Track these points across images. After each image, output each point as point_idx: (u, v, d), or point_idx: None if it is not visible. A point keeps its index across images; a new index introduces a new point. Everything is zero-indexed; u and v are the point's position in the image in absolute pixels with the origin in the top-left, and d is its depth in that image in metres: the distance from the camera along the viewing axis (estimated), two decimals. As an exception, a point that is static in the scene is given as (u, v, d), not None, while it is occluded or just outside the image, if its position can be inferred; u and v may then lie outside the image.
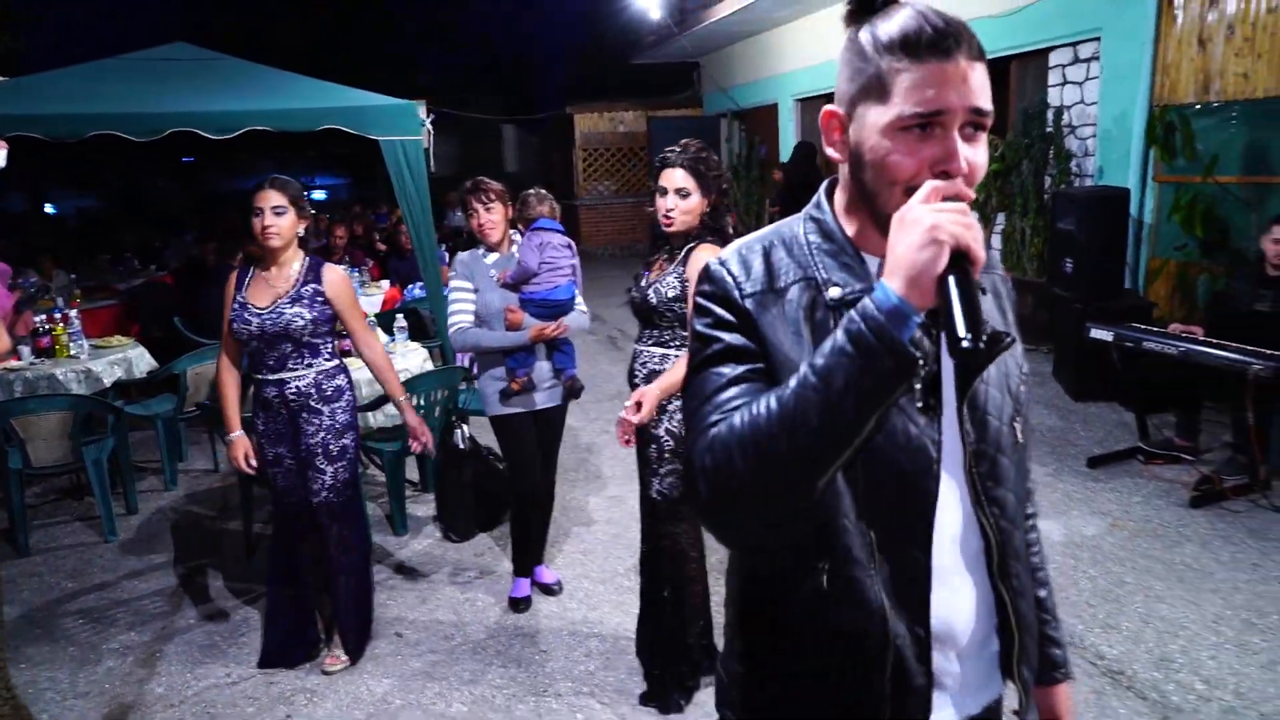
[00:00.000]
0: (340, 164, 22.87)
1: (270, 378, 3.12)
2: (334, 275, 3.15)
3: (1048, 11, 7.68)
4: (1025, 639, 1.19)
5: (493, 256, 3.56)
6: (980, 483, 1.14)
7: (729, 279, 1.11)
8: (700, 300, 1.13)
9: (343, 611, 3.28)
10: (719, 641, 3.07)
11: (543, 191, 3.66)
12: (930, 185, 0.94)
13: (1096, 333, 5.12)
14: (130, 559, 4.35)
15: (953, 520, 1.14)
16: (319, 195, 23.12)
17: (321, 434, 3.11)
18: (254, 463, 3.16)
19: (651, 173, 2.85)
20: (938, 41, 1.00)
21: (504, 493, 4.21)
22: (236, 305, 3.09)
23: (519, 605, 3.70)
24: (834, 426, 0.91)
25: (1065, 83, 7.76)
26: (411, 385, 4.32)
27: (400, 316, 5.44)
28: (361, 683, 3.21)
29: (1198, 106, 6.24)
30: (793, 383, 0.95)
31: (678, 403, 2.78)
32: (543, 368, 3.52)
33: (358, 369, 4.56)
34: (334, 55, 17.62)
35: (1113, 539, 4.07)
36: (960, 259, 0.90)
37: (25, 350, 5.18)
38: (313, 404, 3.10)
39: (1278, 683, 2.96)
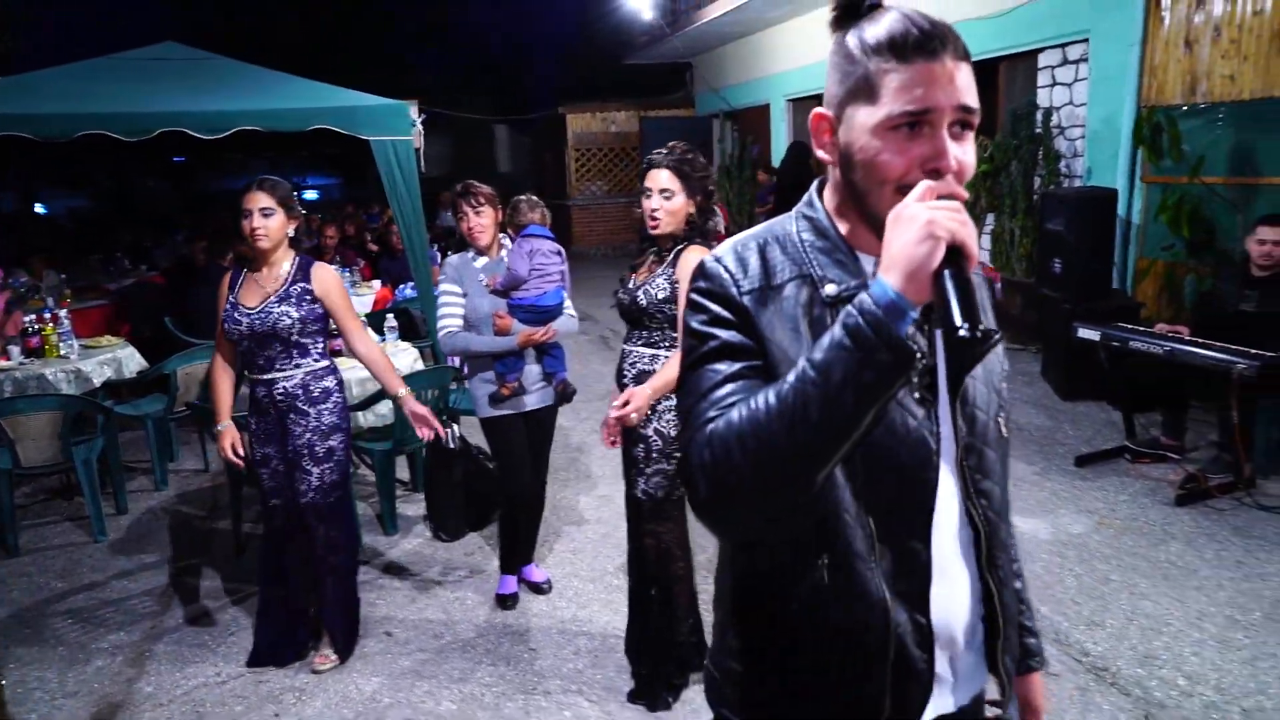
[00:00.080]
0: (332, 164, 22.85)
1: (260, 378, 3.15)
2: (322, 273, 3.16)
3: (1037, 13, 7.72)
4: (1009, 629, 1.22)
5: (482, 260, 3.58)
6: (970, 475, 1.17)
7: (726, 275, 1.11)
8: (696, 297, 1.13)
9: (330, 611, 3.29)
10: (708, 639, 3.10)
11: (534, 198, 3.68)
12: (924, 184, 0.97)
13: (1084, 332, 5.15)
14: (120, 559, 4.35)
15: (948, 512, 1.16)
16: (311, 195, 23.07)
17: (308, 435, 3.11)
18: (241, 452, 3.16)
19: (640, 175, 2.87)
20: (924, 42, 1.02)
21: (494, 493, 4.22)
22: (229, 305, 3.12)
23: (505, 602, 3.72)
24: (833, 420, 0.92)
25: (1054, 84, 7.80)
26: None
27: (390, 316, 5.44)
28: (350, 681, 3.22)
29: (1185, 108, 6.28)
30: (791, 377, 0.95)
31: (666, 403, 2.80)
32: (532, 370, 3.54)
33: (349, 368, 4.58)
34: (326, 55, 17.60)
35: (1099, 537, 4.10)
36: (955, 254, 0.92)
37: (15, 350, 5.18)
38: (300, 405, 3.11)
39: (1259, 678, 2.99)
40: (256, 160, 14.54)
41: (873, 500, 1.10)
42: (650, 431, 2.84)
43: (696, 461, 1.01)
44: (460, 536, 4.39)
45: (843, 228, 1.14)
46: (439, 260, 6.52)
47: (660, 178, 2.75)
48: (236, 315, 3.08)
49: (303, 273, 3.13)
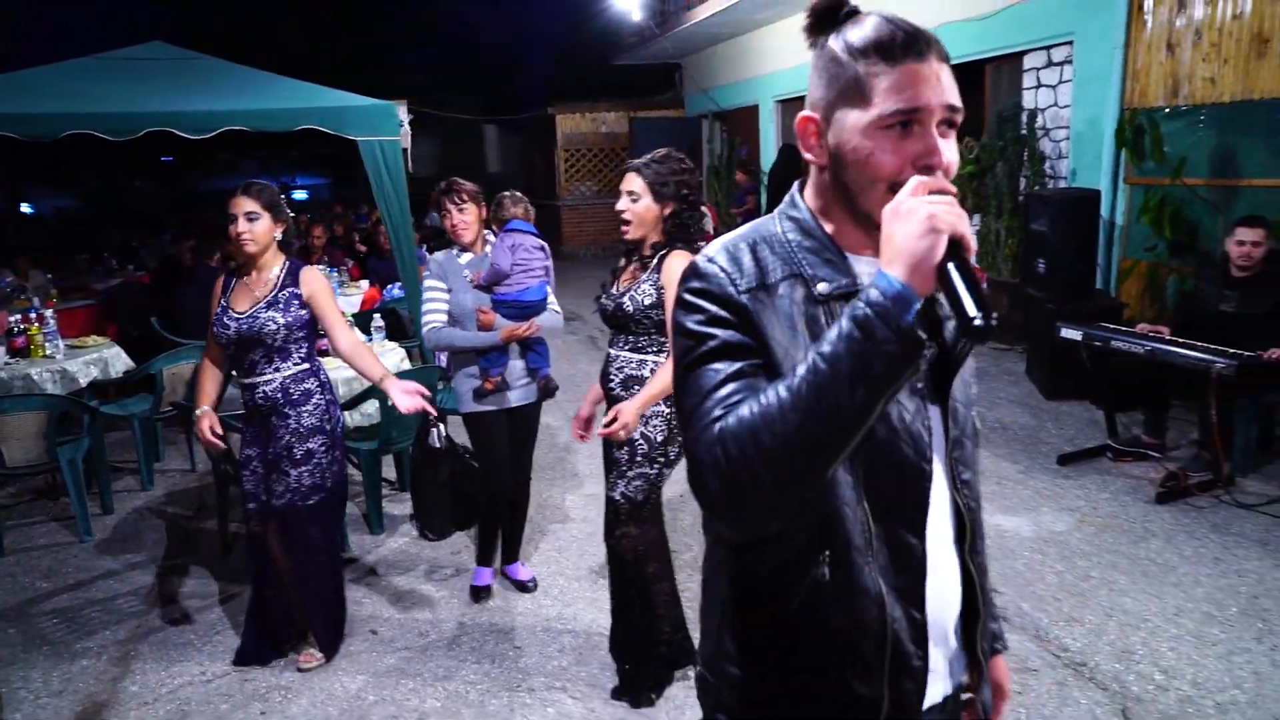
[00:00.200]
0: (322, 164, 22.81)
1: (245, 381, 3.17)
2: (310, 275, 3.17)
3: (1021, 16, 7.78)
4: (986, 615, 1.27)
5: (466, 257, 3.60)
6: (955, 467, 1.21)
7: (723, 275, 1.11)
8: (690, 298, 1.12)
9: (313, 610, 3.30)
10: (693, 636, 3.12)
11: (517, 194, 3.70)
12: (916, 180, 0.99)
13: (1067, 332, 5.20)
14: (105, 559, 4.35)
15: (940, 505, 1.19)
16: (300, 195, 23.02)
17: (288, 437, 3.12)
18: (219, 431, 3.14)
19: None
20: (911, 44, 1.06)
21: (480, 492, 4.22)
22: (219, 309, 3.14)
23: (479, 594, 3.76)
24: (845, 412, 0.94)
25: (1039, 86, 7.86)
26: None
27: (377, 316, 5.45)
28: (336, 680, 3.23)
29: (1166, 110, 6.35)
30: (801, 371, 0.96)
31: (654, 407, 2.82)
32: (516, 366, 3.56)
33: (335, 368, 4.59)
34: (315, 55, 17.57)
35: (1080, 534, 4.15)
36: (955, 247, 0.95)
37: (-1, 350, 5.17)
38: (281, 407, 3.12)
39: (1234, 672, 3.03)
40: (246, 160, 14.53)
41: (871, 496, 1.12)
42: (636, 435, 2.85)
43: (708, 461, 1.00)
44: (446, 536, 4.36)
45: (828, 227, 1.16)
46: (427, 260, 6.53)
47: (628, 180, 2.81)
48: (225, 319, 3.10)
49: (291, 277, 3.14)
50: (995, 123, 8.14)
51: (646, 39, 14.78)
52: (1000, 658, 1.42)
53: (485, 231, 3.68)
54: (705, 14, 12.32)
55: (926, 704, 1.21)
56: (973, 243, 0.97)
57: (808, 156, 1.16)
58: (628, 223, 2.82)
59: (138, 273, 8.99)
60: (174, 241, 8.31)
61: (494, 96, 21.51)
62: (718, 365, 1.06)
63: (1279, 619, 3.34)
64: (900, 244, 0.96)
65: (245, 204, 3.04)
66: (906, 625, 1.15)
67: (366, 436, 4.54)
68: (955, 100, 1.08)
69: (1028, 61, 7.93)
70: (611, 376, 2.91)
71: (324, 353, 4.73)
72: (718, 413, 1.02)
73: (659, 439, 2.84)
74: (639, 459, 2.86)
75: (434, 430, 4.33)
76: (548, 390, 3.62)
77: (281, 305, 3.08)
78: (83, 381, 5.29)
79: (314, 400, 3.17)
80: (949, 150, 1.07)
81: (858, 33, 1.09)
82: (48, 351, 5.32)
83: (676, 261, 2.74)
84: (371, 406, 4.48)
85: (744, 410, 0.99)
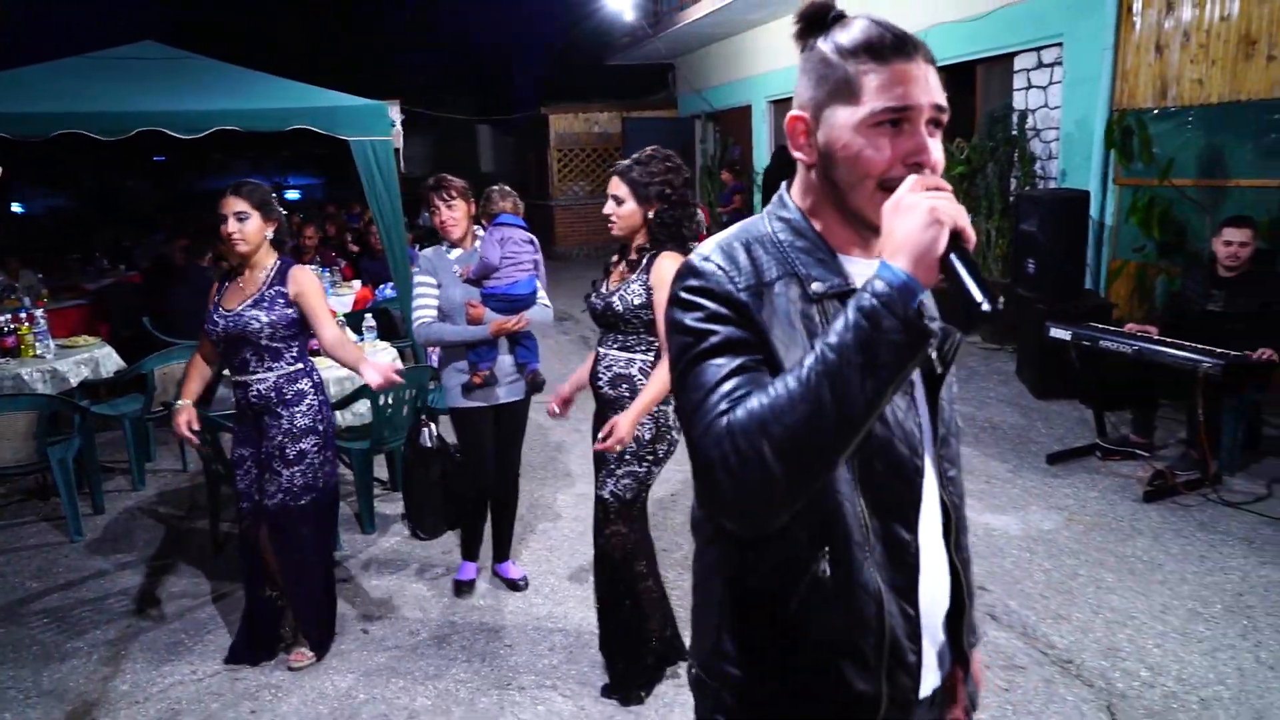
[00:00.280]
0: (315, 164, 22.73)
1: (237, 379, 3.18)
2: (299, 273, 3.17)
3: (1012, 17, 7.82)
4: (970, 608, 1.29)
5: (456, 252, 3.62)
6: (941, 464, 1.23)
7: (721, 273, 1.12)
8: (687, 296, 1.12)
9: (304, 610, 3.31)
10: (682, 634, 3.14)
11: (505, 188, 3.72)
12: (914, 177, 1.02)
13: (1056, 332, 5.24)
14: (96, 559, 4.35)
15: (930, 501, 1.21)
16: (293, 195, 22.97)
17: (280, 437, 3.13)
18: (196, 427, 3.16)
19: None
20: (899, 45, 1.09)
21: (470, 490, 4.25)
22: (213, 307, 3.17)
23: (461, 589, 3.79)
24: (855, 402, 0.94)
25: (1029, 87, 7.90)
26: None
27: (369, 316, 5.45)
28: (326, 678, 3.24)
29: (1155, 111, 6.39)
30: (809, 361, 0.97)
31: None
32: (505, 362, 3.58)
33: (327, 368, 4.60)
34: (308, 55, 17.56)
35: (1068, 533, 4.17)
36: (955, 239, 0.98)
37: (-11, 350, 5.16)
38: (274, 407, 3.13)
39: (1218, 668, 3.06)
40: (238, 160, 14.48)
41: (867, 493, 1.14)
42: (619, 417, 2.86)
43: (716, 455, 1.00)
44: (438, 535, 4.41)
45: (818, 226, 1.18)
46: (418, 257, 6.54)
47: (613, 185, 2.83)
48: (215, 317, 3.13)
49: (280, 277, 3.15)
50: (986, 123, 8.17)
51: (639, 39, 14.80)
52: (975, 650, 1.44)
53: (474, 227, 3.69)
54: (698, 14, 12.34)
55: (919, 698, 1.23)
56: (972, 235, 1.00)
57: (797, 155, 1.18)
58: (611, 224, 2.86)
59: (129, 272, 8.97)
60: (166, 241, 8.29)
61: (487, 96, 21.52)
62: (720, 360, 1.06)
63: (1263, 616, 3.37)
64: (904, 237, 0.98)
65: (235, 204, 3.05)
66: (902, 621, 1.17)
67: (358, 436, 4.55)
68: (942, 100, 1.10)
69: (1018, 63, 7.97)
70: (600, 375, 2.92)
71: (315, 353, 4.75)
72: (724, 406, 1.02)
73: (647, 437, 2.86)
74: (627, 457, 2.88)
75: (425, 430, 4.36)
76: (535, 385, 3.64)
77: (267, 304, 3.09)
78: (73, 381, 5.28)
79: (307, 401, 3.18)
80: (936, 149, 1.09)
81: (846, 34, 1.12)
82: (38, 351, 5.30)
83: (667, 263, 2.76)
84: (364, 406, 4.48)
85: (752, 403, 0.99)
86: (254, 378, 3.12)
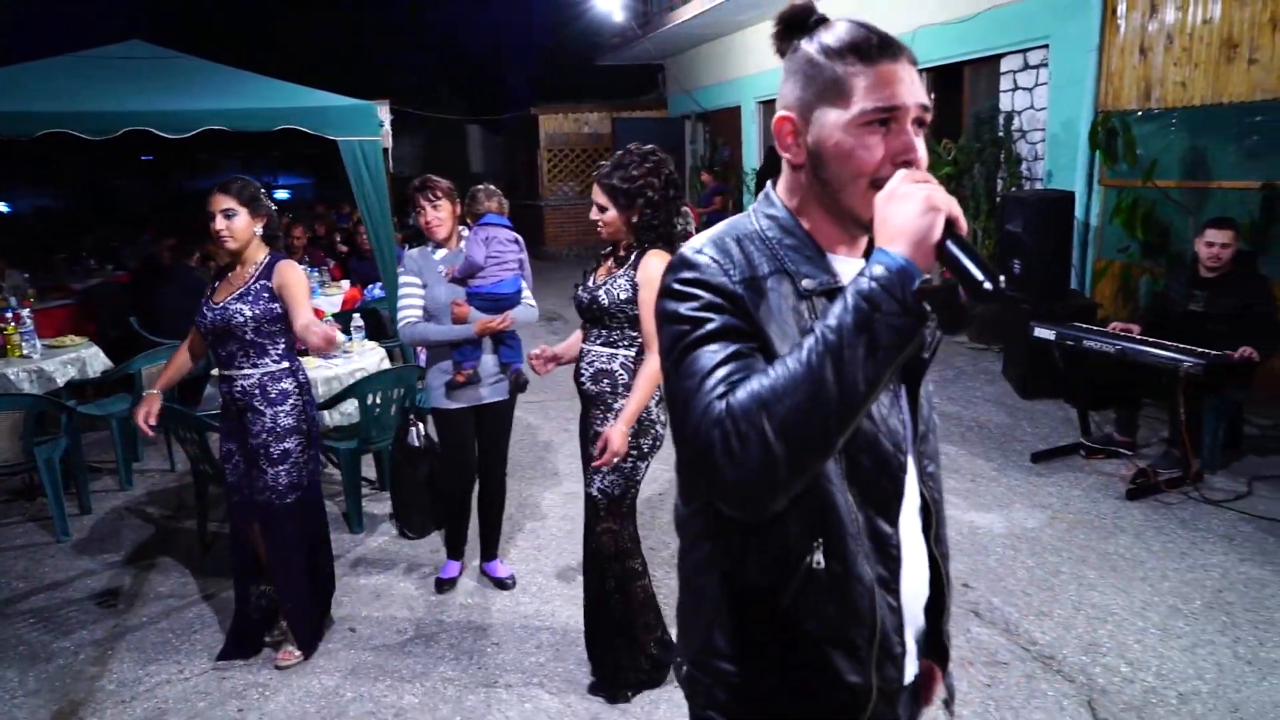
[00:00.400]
0: (305, 164, 22.68)
1: (224, 373, 3.20)
2: (283, 267, 3.16)
3: (999, 19, 7.87)
4: (949, 601, 1.31)
5: (441, 252, 3.63)
6: (920, 460, 1.26)
7: (715, 265, 1.12)
8: (682, 287, 1.12)
9: (290, 608, 3.32)
10: (671, 633, 3.15)
11: (491, 187, 3.73)
12: (904, 172, 1.05)
13: (1040, 332, 5.28)
14: (83, 559, 4.34)
15: (911, 495, 1.23)
16: (282, 195, 22.90)
17: (264, 435, 3.14)
18: (153, 423, 3.16)
19: None
20: (885, 47, 1.11)
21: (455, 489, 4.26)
22: (204, 300, 3.19)
23: (442, 586, 3.82)
24: (855, 383, 0.96)
25: (1016, 88, 7.95)
26: (368, 383, 4.36)
27: (357, 316, 5.46)
28: (314, 677, 3.25)
29: (1139, 113, 6.44)
30: (809, 342, 0.98)
31: (622, 403, 2.84)
32: (488, 361, 3.59)
33: (315, 368, 4.60)
34: (297, 55, 17.50)
35: (1052, 530, 4.21)
36: (949, 226, 1.01)
37: (-25, 350, 5.14)
38: (256, 404, 3.13)
39: (1197, 664, 3.10)
40: (228, 160, 14.43)
41: (855, 486, 1.16)
42: (606, 430, 2.87)
43: (716, 436, 1.00)
44: (426, 534, 4.42)
45: (805, 225, 1.20)
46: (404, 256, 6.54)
47: (595, 193, 2.84)
48: (205, 310, 3.15)
49: (268, 271, 3.16)
50: (973, 124, 8.22)
51: (629, 40, 14.83)
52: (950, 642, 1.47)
53: (460, 228, 3.71)
54: (687, 15, 12.37)
55: (903, 690, 1.25)
56: (964, 223, 1.02)
57: (785, 155, 1.19)
58: (600, 230, 2.88)
59: (117, 272, 8.94)
60: (154, 241, 8.28)
61: (477, 96, 21.52)
62: (714, 347, 1.07)
63: (1242, 612, 3.42)
64: (900, 223, 1.00)
65: (222, 201, 3.06)
66: (888, 613, 1.19)
67: (346, 436, 4.56)
68: (926, 100, 1.13)
69: (1005, 64, 8.03)
70: (582, 371, 2.94)
71: (303, 352, 4.75)
72: (720, 390, 1.02)
73: (631, 433, 2.87)
74: None
75: (413, 429, 4.37)
76: (518, 384, 3.65)
77: (251, 298, 3.09)
78: (60, 381, 5.26)
79: (291, 401, 3.18)
80: (922, 147, 1.12)
81: (832, 36, 1.14)
82: (24, 351, 5.29)
83: (654, 261, 2.76)
84: (351, 406, 4.49)
85: (751, 385, 1.00)
86: (239, 373, 3.14)
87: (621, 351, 2.88)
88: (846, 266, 1.20)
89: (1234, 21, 5.69)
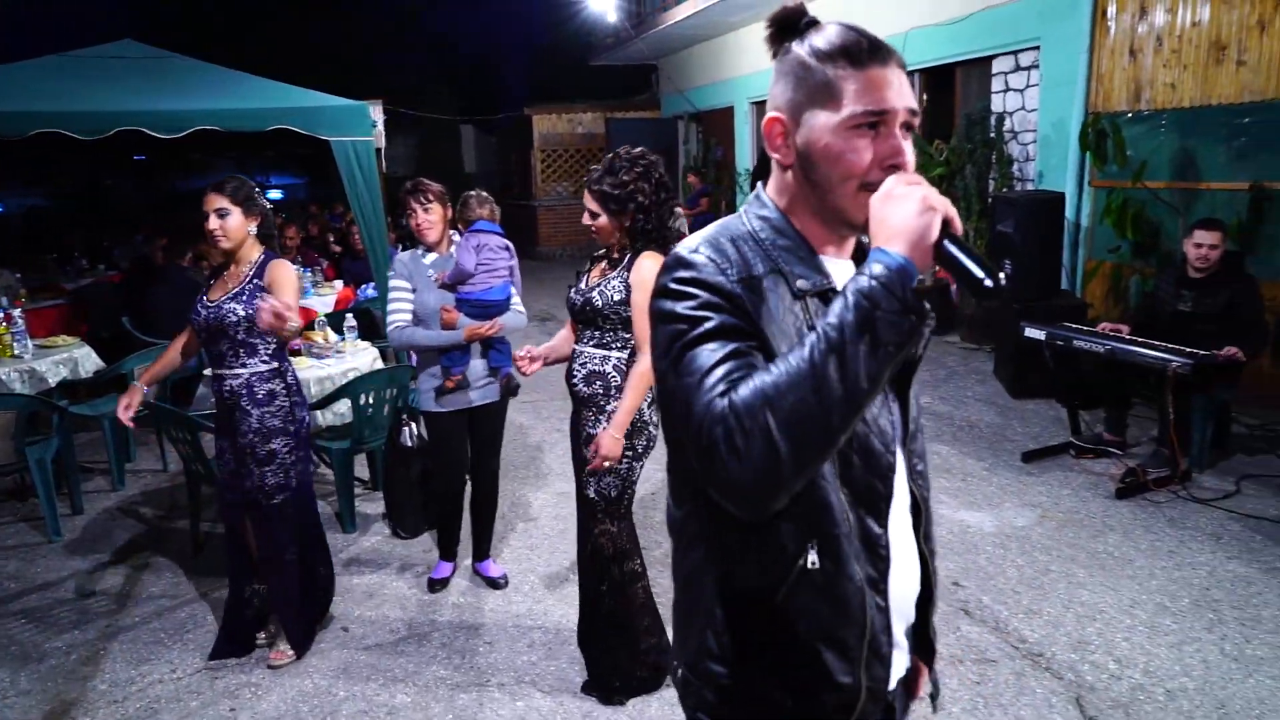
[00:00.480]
0: (299, 163, 22.62)
1: (215, 372, 3.21)
2: (275, 266, 3.16)
3: (990, 21, 7.91)
4: (936, 597, 1.33)
5: (431, 256, 3.64)
6: (910, 459, 1.27)
7: (712, 264, 1.12)
8: (679, 286, 1.12)
9: (281, 607, 3.32)
10: (667, 633, 3.14)
11: (483, 194, 3.74)
12: (897, 175, 1.07)
13: (1030, 332, 5.31)
14: (75, 559, 4.34)
15: (900, 495, 1.24)
16: (275, 195, 22.84)
17: (250, 435, 3.15)
18: (131, 414, 3.19)
19: None
20: (875, 51, 1.13)
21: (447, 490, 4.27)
22: (199, 298, 3.21)
23: (435, 586, 3.84)
24: (859, 380, 0.97)
25: (1007, 89, 7.99)
26: (360, 383, 4.37)
27: (350, 316, 5.46)
28: (306, 676, 3.25)
29: (1129, 114, 6.48)
30: (811, 340, 0.99)
31: (615, 403, 2.85)
32: (477, 366, 3.61)
33: (307, 368, 4.61)
34: (290, 54, 17.46)
35: (1041, 529, 4.24)
36: (945, 226, 1.03)
37: (-33, 350, 5.13)
38: (244, 404, 3.14)
39: (1184, 661, 3.12)
40: (221, 159, 14.39)
41: (847, 485, 1.17)
42: (599, 431, 2.88)
43: (720, 432, 0.99)
44: (418, 534, 4.43)
45: (796, 225, 1.20)
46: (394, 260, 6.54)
47: (586, 199, 2.84)
48: (199, 308, 3.17)
49: (261, 270, 3.17)
50: (964, 125, 8.25)
51: (622, 40, 14.84)
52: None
53: (451, 232, 3.72)
54: (680, 16, 12.39)
55: (889, 689, 1.26)
56: (959, 224, 1.05)
57: (774, 156, 1.20)
58: (593, 235, 2.89)
59: (109, 272, 8.93)
60: (146, 241, 8.26)
61: (471, 96, 21.50)
62: (713, 345, 1.06)
63: (1229, 610, 3.45)
64: (898, 223, 1.02)
65: (216, 201, 3.07)
66: (876, 613, 1.20)
67: (339, 436, 4.56)
68: (915, 104, 1.14)
69: (996, 65, 8.06)
70: (575, 372, 2.94)
71: (296, 352, 4.76)
72: (722, 388, 1.02)
73: (626, 434, 2.88)
74: None
75: (406, 429, 4.38)
76: (509, 389, 3.67)
77: (245, 297, 3.10)
78: (52, 381, 5.26)
79: (278, 402, 3.18)
80: (910, 151, 1.14)
81: (823, 39, 1.15)
82: (16, 351, 5.28)
83: (648, 262, 2.77)
84: (344, 406, 4.49)
85: (754, 382, 1.00)
86: (228, 373, 3.15)
87: (614, 353, 2.88)
88: (836, 267, 1.21)
89: (1222, 24, 5.73)
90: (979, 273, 1.01)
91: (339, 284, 7.92)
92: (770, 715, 1.22)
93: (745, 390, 1.00)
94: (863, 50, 1.12)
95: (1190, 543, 4.03)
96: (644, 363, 2.73)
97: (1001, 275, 1.02)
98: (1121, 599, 3.57)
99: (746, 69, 12.79)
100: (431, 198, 3.58)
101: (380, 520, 4.61)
